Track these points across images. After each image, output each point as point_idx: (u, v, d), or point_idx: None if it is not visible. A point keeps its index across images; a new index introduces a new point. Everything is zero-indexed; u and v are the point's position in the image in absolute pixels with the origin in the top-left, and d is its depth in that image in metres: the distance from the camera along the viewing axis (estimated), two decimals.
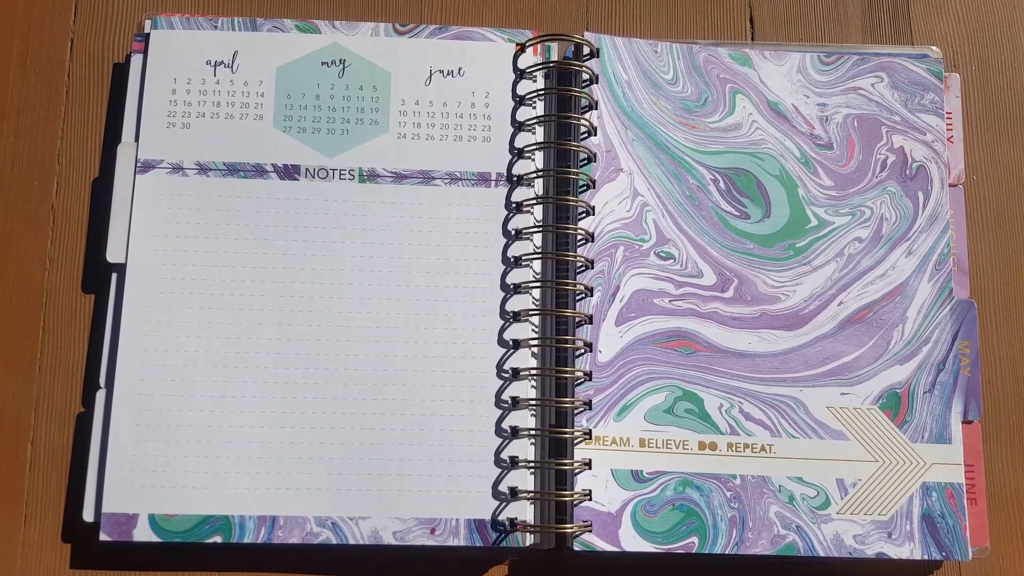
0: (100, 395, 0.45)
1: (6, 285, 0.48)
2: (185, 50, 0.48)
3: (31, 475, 0.46)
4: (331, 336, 0.46)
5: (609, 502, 0.45)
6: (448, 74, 0.49)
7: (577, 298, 0.46)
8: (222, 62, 0.49)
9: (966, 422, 0.47)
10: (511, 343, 0.46)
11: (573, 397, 0.45)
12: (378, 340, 0.46)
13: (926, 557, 0.45)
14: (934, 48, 0.52)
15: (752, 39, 0.53)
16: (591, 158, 0.48)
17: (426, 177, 0.48)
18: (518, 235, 0.47)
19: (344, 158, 0.48)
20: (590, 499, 0.44)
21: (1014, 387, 0.50)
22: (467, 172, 0.48)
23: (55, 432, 0.46)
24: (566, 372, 0.45)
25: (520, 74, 0.49)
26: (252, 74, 0.49)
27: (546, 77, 0.49)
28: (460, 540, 0.44)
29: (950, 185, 0.50)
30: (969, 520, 0.46)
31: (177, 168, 0.47)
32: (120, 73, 0.50)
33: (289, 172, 0.48)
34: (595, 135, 0.48)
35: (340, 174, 0.48)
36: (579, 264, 0.47)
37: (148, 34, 0.49)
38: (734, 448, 0.46)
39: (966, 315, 0.48)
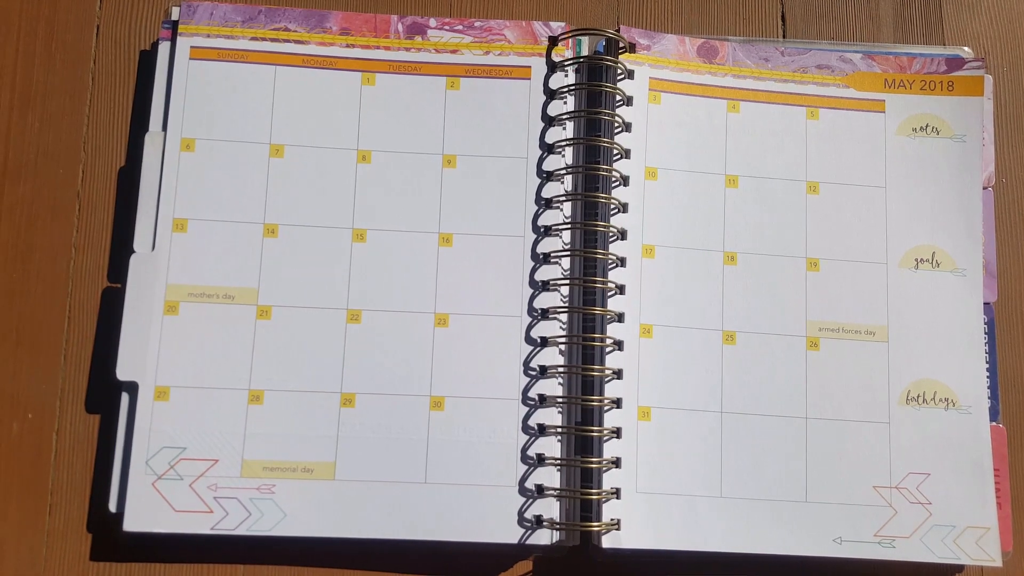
0: (125, 385, 0.45)
1: (32, 274, 0.47)
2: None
3: (56, 465, 0.45)
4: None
5: (637, 500, 0.44)
6: None
7: (608, 295, 0.46)
8: None
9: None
10: (539, 340, 0.46)
11: (602, 395, 0.45)
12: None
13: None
14: (966, 48, 0.51)
15: (783, 36, 0.52)
16: (624, 154, 0.47)
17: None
18: (547, 231, 0.47)
19: None
20: (618, 497, 0.44)
21: None
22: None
23: (80, 422, 0.46)
24: (595, 370, 0.45)
25: (551, 68, 0.49)
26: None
27: (576, 72, 0.49)
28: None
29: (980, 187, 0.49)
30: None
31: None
32: (147, 60, 0.49)
33: None
34: (628, 131, 0.48)
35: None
36: (610, 262, 0.46)
37: (175, 21, 0.48)
38: None
39: None
